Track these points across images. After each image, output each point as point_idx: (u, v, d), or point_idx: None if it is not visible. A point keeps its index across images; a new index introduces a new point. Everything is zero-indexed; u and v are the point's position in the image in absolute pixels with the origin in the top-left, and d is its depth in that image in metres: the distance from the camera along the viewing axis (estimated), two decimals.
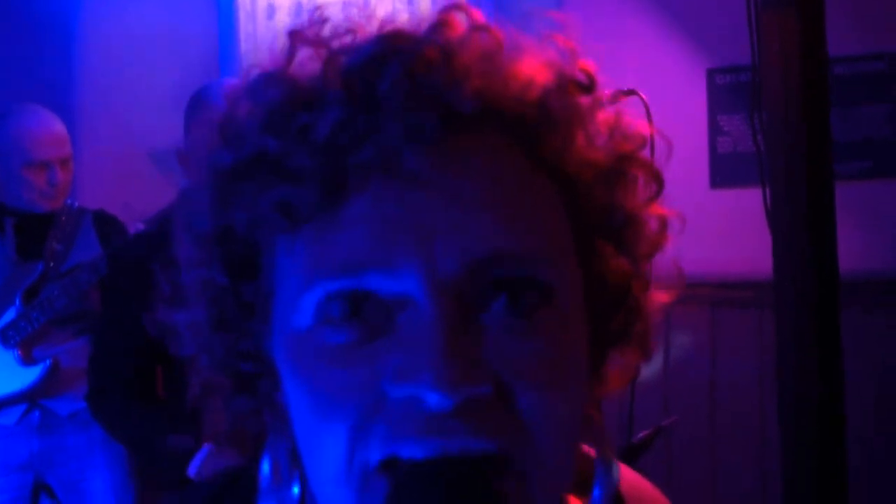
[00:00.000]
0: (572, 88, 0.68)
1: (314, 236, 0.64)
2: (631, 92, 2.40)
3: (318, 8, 0.70)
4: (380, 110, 0.63)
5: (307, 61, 0.68)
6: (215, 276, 0.69)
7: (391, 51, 0.64)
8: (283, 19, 3.78)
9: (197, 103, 2.36)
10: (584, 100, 0.69)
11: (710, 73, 3.60)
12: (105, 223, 3.18)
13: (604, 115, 0.70)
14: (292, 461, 0.71)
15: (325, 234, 0.64)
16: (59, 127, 3.12)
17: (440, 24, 0.66)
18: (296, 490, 0.72)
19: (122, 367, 2.39)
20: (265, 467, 0.72)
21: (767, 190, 2.15)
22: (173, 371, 2.39)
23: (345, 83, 0.65)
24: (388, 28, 0.67)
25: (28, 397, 3.08)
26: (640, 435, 2.26)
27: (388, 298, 0.62)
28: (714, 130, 3.61)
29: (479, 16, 0.68)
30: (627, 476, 0.85)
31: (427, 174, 0.63)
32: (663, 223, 0.72)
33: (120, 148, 3.94)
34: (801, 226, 2.06)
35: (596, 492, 0.71)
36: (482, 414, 0.60)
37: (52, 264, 3.10)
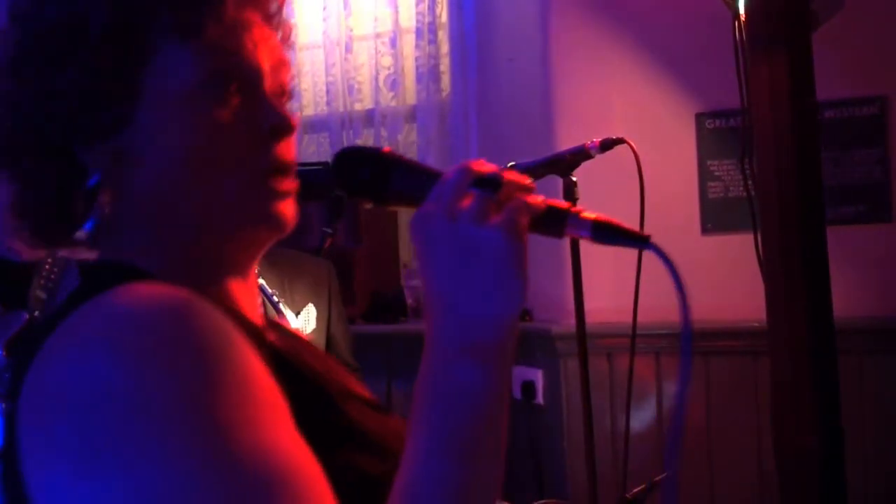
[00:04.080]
0: None
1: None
2: (620, 140, 2.39)
3: None
4: None
5: None
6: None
7: None
8: None
9: None
10: None
11: (700, 118, 3.59)
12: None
13: None
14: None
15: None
16: None
17: None
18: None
19: None
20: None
21: (759, 236, 2.12)
22: None
23: None
24: None
25: None
26: (634, 490, 2.23)
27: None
28: (704, 176, 3.59)
29: None
30: None
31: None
32: None
33: None
34: (795, 272, 2.03)
35: None
36: None
37: (37, 314, 3.03)
